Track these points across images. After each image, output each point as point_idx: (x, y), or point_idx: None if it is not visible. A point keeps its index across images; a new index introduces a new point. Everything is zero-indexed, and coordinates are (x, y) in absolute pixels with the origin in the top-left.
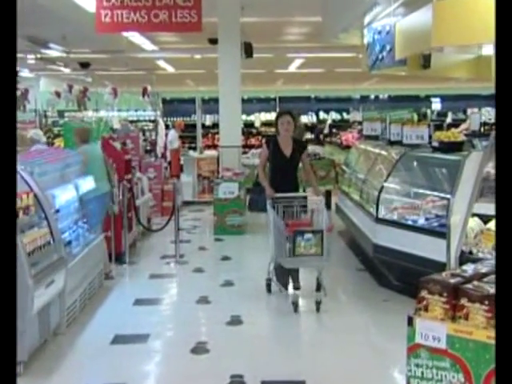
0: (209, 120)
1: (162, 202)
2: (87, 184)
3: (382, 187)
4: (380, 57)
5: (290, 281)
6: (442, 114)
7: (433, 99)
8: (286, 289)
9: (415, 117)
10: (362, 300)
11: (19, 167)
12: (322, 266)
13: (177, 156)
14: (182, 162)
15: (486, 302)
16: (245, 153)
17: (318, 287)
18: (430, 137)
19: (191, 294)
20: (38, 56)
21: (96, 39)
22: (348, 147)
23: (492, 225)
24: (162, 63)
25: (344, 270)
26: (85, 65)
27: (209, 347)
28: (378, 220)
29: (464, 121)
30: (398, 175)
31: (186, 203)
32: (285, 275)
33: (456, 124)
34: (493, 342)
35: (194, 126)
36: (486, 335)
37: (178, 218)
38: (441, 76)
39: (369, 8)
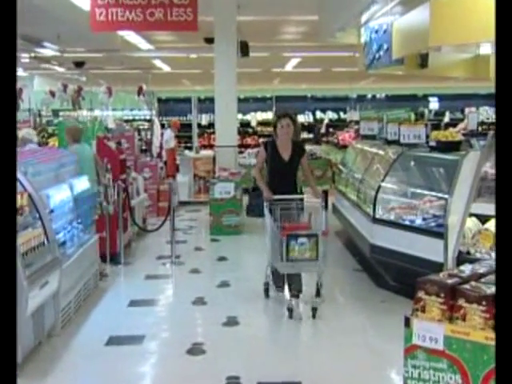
0: (205, 119)
1: (158, 202)
2: (81, 184)
3: (379, 187)
4: (377, 56)
5: (287, 285)
6: (439, 114)
7: (430, 98)
8: (281, 291)
9: (412, 116)
10: (359, 301)
11: None
12: (321, 270)
13: (172, 156)
14: (177, 162)
15: (484, 303)
16: (241, 152)
17: (318, 292)
18: (428, 136)
19: (187, 295)
20: (32, 55)
21: (91, 38)
22: (345, 147)
23: (490, 225)
24: (157, 62)
25: (341, 271)
26: (79, 64)
27: (205, 348)
28: (375, 220)
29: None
30: (395, 175)
31: (182, 203)
32: (280, 278)
33: (454, 123)
34: (490, 342)
35: (189, 125)
36: (484, 336)
37: (173, 219)
38: (438, 75)
39: (366, 7)
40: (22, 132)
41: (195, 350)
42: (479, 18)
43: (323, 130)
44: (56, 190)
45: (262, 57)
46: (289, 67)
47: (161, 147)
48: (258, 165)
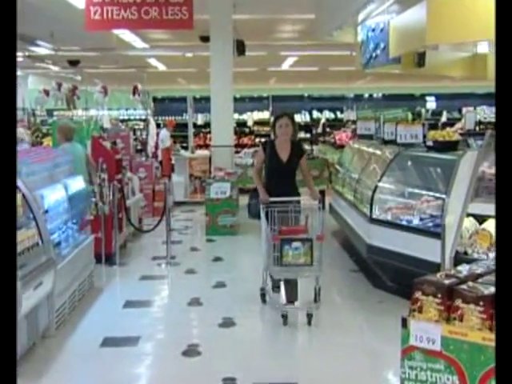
0: (200, 119)
1: (153, 202)
2: (76, 184)
3: (376, 187)
4: (374, 55)
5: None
6: (436, 113)
7: (427, 98)
8: (278, 292)
9: (409, 116)
10: (356, 302)
11: None
12: (317, 275)
13: (168, 155)
14: (173, 162)
15: (481, 303)
16: (237, 152)
17: (316, 298)
18: (425, 136)
19: (183, 296)
20: (26, 54)
21: (85, 36)
22: (342, 146)
23: (487, 225)
24: (152, 61)
25: (338, 271)
26: (74, 62)
27: (200, 349)
28: (372, 220)
29: (459, 120)
30: (392, 175)
31: (178, 203)
32: (277, 282)
33: (451, 123)
34: (487, 343)
35: (185, 125)
36: (481, 337)
37: (169, 219)
38: (435, 74)
39: (362, 5)
40: None
41: (191, 351)
42: (476, 17)
43: (320, 130)
44: (50, 190)
45: (258, 56)
46: (285, 66)
47: (156, 147)
48: (257, 166)
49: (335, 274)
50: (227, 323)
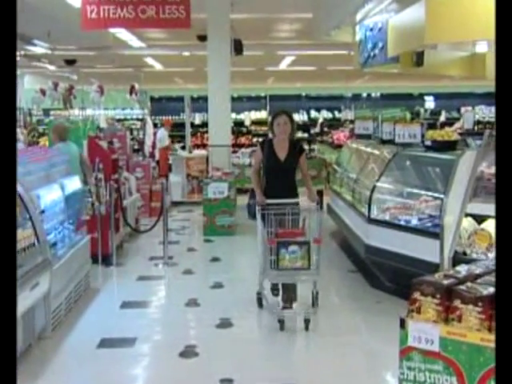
0: (198, 119)
1: (150, 202)
2: (72, 184)
3: (375, 187)
4: (372, 54)
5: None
6: (435, 113)
7: (426, 97)
8: (277, 296)
9: (408, 115)
10: (354, 302)
11: None
12: (315, 279)
13: (165, 155)
14: (170, 162)
15: (480, 304)
16: (235, 152)
17: (313, 302)
18: (423, 136)
19: (180, 297)
20: (22, 53)
21: (82, 36)
22: (339, 146)
23: (486, 225)
24: (149, 60)
25: (336, 272)
26: (70, 62)
27: (198, 351)
28: (371, 220)
29: (458, 119)
30: (390, 175)
31: (175, 203)
32: (275, 286)
33: (450, 123)
34: (486, 344)
35: (182, 124)
36: (480, 337)
37: (166, 219)
38: (434, 74)
39: (361, 4)
40: None
41: (188, 352)
42: (475, 16)
43: (317, 129)
44: (47, 190)
45: (255, 55)
46: (283, 65)
47: (153, 147)
48: (255, 166)
49: (333, 275)
50: (225, 324)
